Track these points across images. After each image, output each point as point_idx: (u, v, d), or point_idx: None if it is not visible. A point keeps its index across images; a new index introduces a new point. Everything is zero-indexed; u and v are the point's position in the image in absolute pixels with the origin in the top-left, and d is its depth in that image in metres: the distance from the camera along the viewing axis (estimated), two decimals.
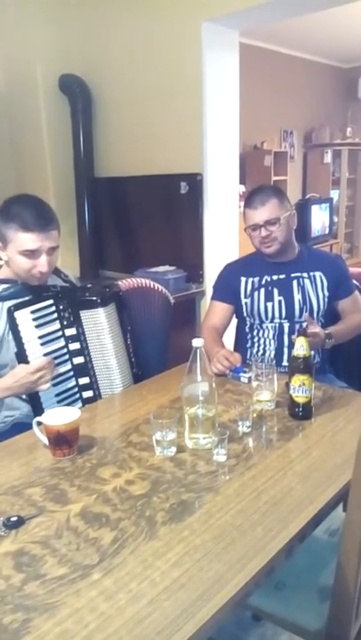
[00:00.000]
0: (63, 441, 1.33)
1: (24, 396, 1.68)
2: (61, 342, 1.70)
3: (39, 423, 1.39)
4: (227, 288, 2.08)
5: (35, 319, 1.65)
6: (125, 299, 1.84)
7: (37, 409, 1.65)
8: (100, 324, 1.72)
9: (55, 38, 3.37)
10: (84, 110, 3.46)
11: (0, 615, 0.87)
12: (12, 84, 3.48)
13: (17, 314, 1.62)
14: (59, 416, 1.34)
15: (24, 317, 1.63)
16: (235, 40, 3.10)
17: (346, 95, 7.24)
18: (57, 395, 1.69)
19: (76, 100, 3.45)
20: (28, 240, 1.58)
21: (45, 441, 1.37)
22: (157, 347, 1.98)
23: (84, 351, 1.72)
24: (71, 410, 1.39)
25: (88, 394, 1.74)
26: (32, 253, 1.60)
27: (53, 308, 1.68)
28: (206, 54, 2.92)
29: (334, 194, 6.77)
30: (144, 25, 3.14)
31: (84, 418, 1.40)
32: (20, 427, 1.67)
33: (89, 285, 1.84)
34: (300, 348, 1.47)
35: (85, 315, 1.72)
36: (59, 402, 1.69)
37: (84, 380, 1.73)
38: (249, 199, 1.95)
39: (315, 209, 5.87)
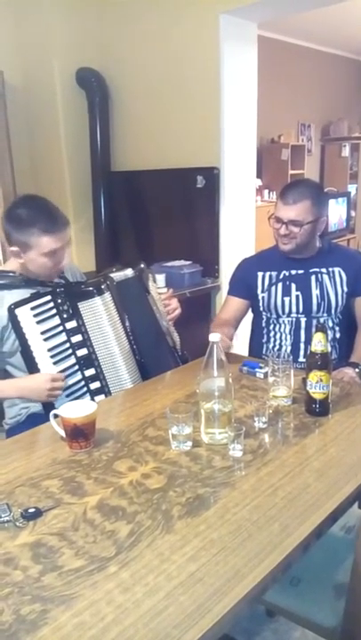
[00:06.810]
0: (80, 434, 1.34)
1: None
2: (63, 336, 1.72)
3: (56, 416, 1.40)
4: (242, 283, 2.08)
5: (35, 315, 1.69)
6: (120, 288, 1.81)
7: (48, 405, 1.66)
8: (98, 313, 1.74)
9: (72, 32, 3.37)
10: (100, 104, 3.46)
11: (18, 606, 0.88)
12: (30, 78, 3.49)
13: (17, 311, 1.67)
14: (76, 409, 1.35)
15: (25, 314, 1.68)
16: (253, 32, 3.07)
17: None
18: (65, 389, 1.70)
19: (93, 94, 3.44)
20: (52, 242, 1.66)
21: (62, 433, 1.38)
22: (155, 334, 1.95)
23: (86, 342, 1.73)
24: (88, 403, 1.40)
25: (95, 385, 1.74)
26: (55, 253, 1.68)
27: (52, 304, 1.72)
28: (224, 47, 2.90)
29: (352, 188, 6.70)
30: (161, 17, 3.13)
31: (100, 411, 1.40)
32: (35, 417, 1.70)
33: (83, 280, 1.89)
34: (318, 343, 1.46)
35: (83, 306, 1.73)
36: (67, 396, 1.70)
37: (89, 372, 1.74)
38: (285, 190, 1.89)
39: (332, 203, 5.82)
